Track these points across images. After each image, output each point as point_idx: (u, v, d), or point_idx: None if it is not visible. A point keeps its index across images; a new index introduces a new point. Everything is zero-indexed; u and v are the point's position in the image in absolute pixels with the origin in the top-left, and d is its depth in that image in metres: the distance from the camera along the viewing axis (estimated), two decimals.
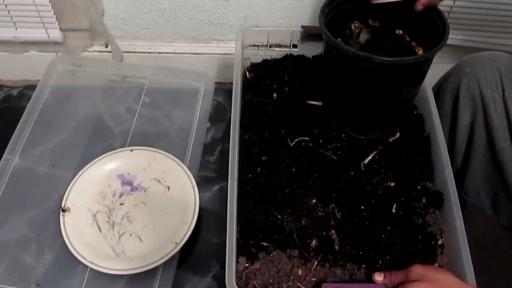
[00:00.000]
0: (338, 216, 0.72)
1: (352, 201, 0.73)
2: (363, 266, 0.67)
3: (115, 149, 0.87)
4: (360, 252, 0.68)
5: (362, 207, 0.72)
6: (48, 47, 1.09)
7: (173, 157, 0.86)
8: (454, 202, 0.70)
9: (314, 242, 0.69)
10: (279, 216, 0.71)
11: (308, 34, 0.91)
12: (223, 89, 1.07)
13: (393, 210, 0.72)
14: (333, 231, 0.70)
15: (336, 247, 0.68)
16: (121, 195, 0.83)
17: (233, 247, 0.65)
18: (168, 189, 0.83)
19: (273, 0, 1.02)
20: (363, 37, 0.79)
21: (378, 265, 0.67)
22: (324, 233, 0.70)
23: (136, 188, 0.84)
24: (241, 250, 0.68)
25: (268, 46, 0.93)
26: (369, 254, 0.68)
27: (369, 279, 0.66)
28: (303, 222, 0.71)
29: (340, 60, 0.76)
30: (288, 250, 0.68)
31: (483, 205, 0.81)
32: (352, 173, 0.76)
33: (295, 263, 0.67)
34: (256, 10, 1.04)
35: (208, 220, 0.85)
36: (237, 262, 0.66)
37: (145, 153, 0.87)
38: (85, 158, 0.87)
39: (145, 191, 0.83)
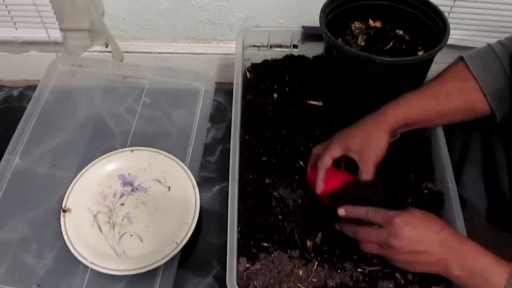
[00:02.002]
0: (338, 216, 0.72)
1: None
2: (364, 266, 0.67)
3: (116, 150, 0.87)
4: (361, 253, 0.68)
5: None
6: (48, 47, 1.09)
7: (173, 157, 0.86)
8: (454, 202, 0.70)
9: (314, 242, 0.69)
10: (280, 217, 0.71)
11: (309, 35, 0.91)
12: (223, 90, 1.07)
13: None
14: (334, 231, 0.70)
15: (337, 247, 0.68)
16: (121, 196, 0.83)
17: (234, 248, 0.65)
18: (169, 190, 0.83)
19: (273, 0, 1.02)
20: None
21: (379, 266, 0.67)
22: (324, 234, 0.70)
23: (136, 189, 0.84)
24: (242, 250, 0.68)
25: (269, 46, 0.94)
26: (369, 254, 0.68)
27: (370, 280, 0.66)
28: (303, 222, 0.71)
29: (341, 61, 0.76)
30: (288, 250, 0.68)
31: (477, 204, 0.81)
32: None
33: (296, 264, 0.67)
34: (256, 10, 1.04)
35: (209, 220, 0.85)
36: (238, 262, 0.66)
37: (145, 153, 0.87)
38: (85, 159, 0.87)
39: (145, 192, 0.83)
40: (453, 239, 0.58)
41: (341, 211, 0.64)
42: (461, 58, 0.69)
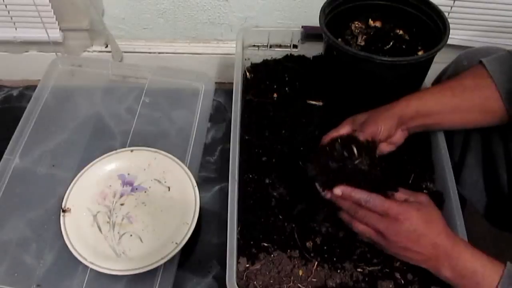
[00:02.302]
0: (339, 216, 0.72)
1: None
2: (364, 266, 0.67)
3: (116, 150, 0.87)
4: (361, 253, 0.68)
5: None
6: (48, 47, 1.09)
7: (173, 157, 0.86)
8: (454, 202, 0.70)
9: (314, 242, 0.69)
10: (280, 217, 0.71)
11: (309, 34, 0.91)
12: (223, 89, 1.07)
13: None
14: (333, 231, 0.70)
15: (337, 247, 0.68)
16: (121, 196, 0.83)
17: (234, 248, 0.65)
18: (169, 190, 0.83)
19: (273, 0, 1.02)
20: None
21: (379, 266, 0.67)
22: (324, 233, 0.70)
23: (136, 189, 0.84)
24: (242, 250, 0.68)
25: (269, 46, 0.93)
26: (369, 254, 0.68)
27: (370, 280, 0.66)
28: (303, 222, 0.71)
29: (341, 60, 0.76)
30: (288, 250, 0.68)
31: (476, 202, 0.81)
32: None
33: (296, 264, 0.67)
34: (256, 10, 1.04)
35: (209, 220, 0.85)
36: (238, 262, 0.66)
37: (145, 153, 0.87)
38: (85, 159, 0.87)
39: (145, 192, 0.83)
40: (447, 242, 0.58)
41: (338, 190, 0.61)
42: (480, 62, 0.69)
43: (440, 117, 0.69)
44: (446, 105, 0.67)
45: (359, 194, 0.60)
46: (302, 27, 0.91)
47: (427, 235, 0.58)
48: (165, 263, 0.74)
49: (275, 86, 0.89)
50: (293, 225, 0.70)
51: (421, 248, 0.58)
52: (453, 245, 0.58)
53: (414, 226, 0.57)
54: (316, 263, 0.67)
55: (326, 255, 0.68)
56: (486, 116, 0.68)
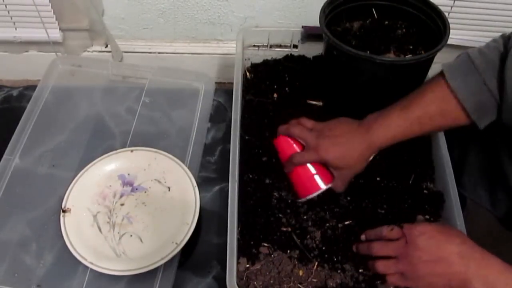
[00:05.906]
0: (339, 216, 0.72)
1: (352, 201, 0.73)
2: (364, 267, 0.67)
3: (116, 150, 0.87)
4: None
5: (363, 208, 0.72)
6: (48, 47, 1.09)
7: (173, 157, 0.86)
8: (454, 202, 0.70)
9: (315, 242, 0.69)
10: (280, 216, 0.71)
11: (309, 35, 0.91)
12: (223, 90, 1.07)
13: (395, 210, 0.72)
14: (334, 232, 0.70)
15: (337, 248, 0.68)
16: (121, 196, 0.83)
17: (234, 248, 0.65)
18: (169, 190, 0.83)
19: (273, 0, 1.02)
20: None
21: None
22: (324, 234, 0.70)
23: (136, 189, 0.84)
24: (242, 250, 0.68)
25: (269, 46, 0.94)
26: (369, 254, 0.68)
27: (370, 281, 0.66)
28: (303, 222, 0.71)
29: (341, 60, 0.76)
30: (288, 250, 0.68)
31: (480, 199, 0.81)
32: None
33: (296, 264, 0.67)
34: (256, 10, 1.04)
35: (209, 220, 0.84)
36: (238, 262, 0.66)
37: (145, 153, 0.87)
38: (85, 159, 0.87)
39: (145, 192, 0.83)
40: (475, 252, 0.57)
41: (362, 236, 0.68)
42: (441, 73, 0.67)
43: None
44: (416, 134, 0.68)
45: (373, 231, 0.66)
46: (302, 27, 0.91)
47: (447, 243, 0.57)
48: (165, 263, 0.74)
49: (275, 86, 0.89)
50: (293, 225, 0.70)
51: (446, 257, 0.56)
52: (482, 255, 0.57)
53: (430, 236, 0.58)
54: (316, 263, 0.67)
55: (326, 256, 0.68)
56: (455, 127, 0.69)
